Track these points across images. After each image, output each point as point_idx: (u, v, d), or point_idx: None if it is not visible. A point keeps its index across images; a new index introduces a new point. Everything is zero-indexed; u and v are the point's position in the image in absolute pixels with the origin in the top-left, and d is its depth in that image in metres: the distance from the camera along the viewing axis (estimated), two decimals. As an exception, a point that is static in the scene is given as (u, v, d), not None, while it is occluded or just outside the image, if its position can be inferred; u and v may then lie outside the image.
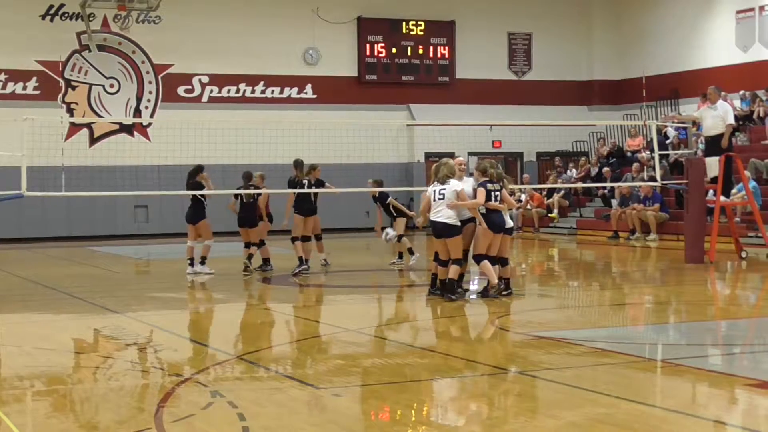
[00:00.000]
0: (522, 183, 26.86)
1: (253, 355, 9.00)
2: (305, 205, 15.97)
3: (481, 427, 6.38)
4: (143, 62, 26.66)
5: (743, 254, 17.04)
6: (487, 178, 12.08)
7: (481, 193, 11.94)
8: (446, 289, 12.05)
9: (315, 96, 28.00)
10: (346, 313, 12.26)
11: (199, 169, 16.20)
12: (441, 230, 11.96)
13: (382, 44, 28.55)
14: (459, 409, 7.07)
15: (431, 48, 28.97)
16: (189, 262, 16.06)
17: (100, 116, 26.03)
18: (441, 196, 11.86)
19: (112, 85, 26.40)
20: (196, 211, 16.00)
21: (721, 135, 16.47)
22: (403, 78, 28.73)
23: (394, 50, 28.60)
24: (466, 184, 12.27)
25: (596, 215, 25.28)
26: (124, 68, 26.51)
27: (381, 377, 7.95)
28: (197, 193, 15.97)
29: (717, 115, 16.63)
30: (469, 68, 29.26)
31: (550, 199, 26.68)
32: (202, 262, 15.99)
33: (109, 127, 26.12)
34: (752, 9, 25.66)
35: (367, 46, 28.45)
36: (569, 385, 7.39)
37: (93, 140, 25.98)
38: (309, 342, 9.97)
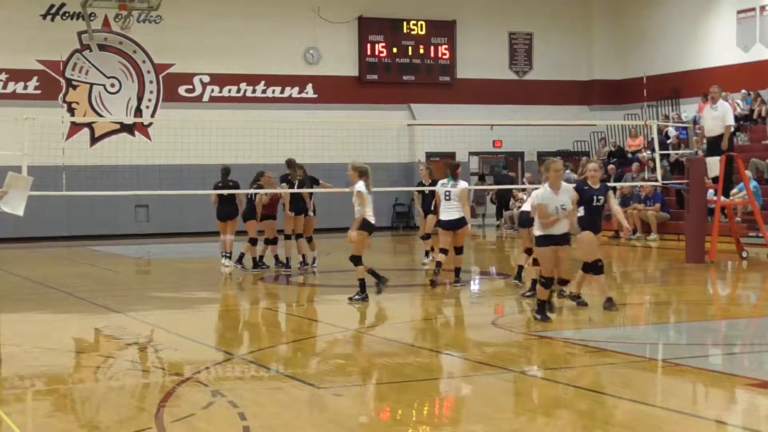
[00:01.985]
0: (524, 182, 26.82)
1: (253, 354, 9.01)
2: (299, 204, 16.04)
3: (481, 426, 6.37)
4: (144, 62, 26.67)
5: (744, 254, 17.03)
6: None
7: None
8: (539, 310, 10.34)
9: (316, 96, 28.01)
10: (346, 312, 12.26)
11: (228, 169, 16.58)
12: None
13: (383, 44, 28.55)
14: (459, 409, 7.07)
15: (432, 48, 28.97)
16: (227, 255, 16.26)
17: (100, 116, 26.04)
18: None
19: (113, 85, 26.41)
20: (235, 208, 16.39)
21: (721, 135, 16.48)
22: (404, 78, 28.72)
23: (395, 50, 28.60)
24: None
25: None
26: (125, 68, 26.52)
27: (381, 377, 7.95)
28: (224, 192, 16.19)
29: (717, 116, 16.63)
30: (470, 68, 29.26)
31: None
32: (234, 259, 16.23)
33: (110, 126, 26.13)
34: (753, 9, 25.65)
35: (368, 45, 28.46)
36: (570, 385, 7.39)
37: (94, 140, 25.99)
38: (309, 341, 9.97)
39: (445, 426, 6.57)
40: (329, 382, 7.73)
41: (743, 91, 24.74)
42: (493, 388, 7.59)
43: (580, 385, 7.40)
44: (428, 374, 8.10)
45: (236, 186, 16.56)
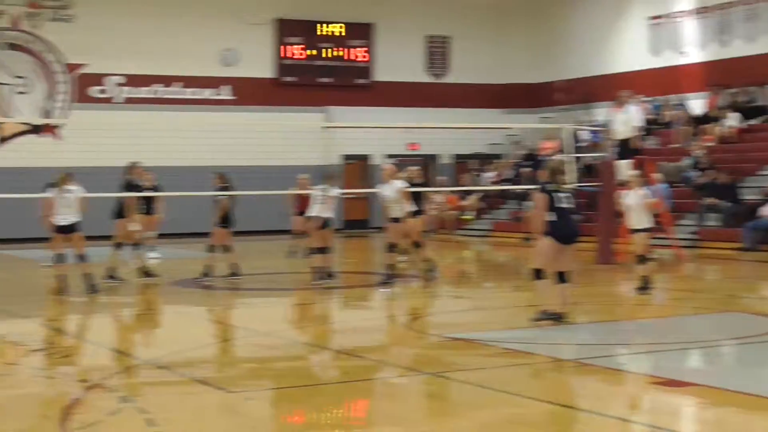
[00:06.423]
0: (439, 185, 26.97)
1: (163, 359, 8.86)
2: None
3: (394, 428, 6.38)
4: (55, 62, 26.06)
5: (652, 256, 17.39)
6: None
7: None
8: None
9: (234, 97, 27.75)
10: (259, 315, 12.17)
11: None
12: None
13: (301, 46, 28.43)
14: (372, 411, 7.07)
15: (350, 50, 28.98)
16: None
17: (9, 116, 25.35)
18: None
19: (22, 85, 25.74)
20: None
21: (630, 138, 16.87)
22: (322, 80, 28.67)
23: (313, 52, 28.52)
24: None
25: (511, 217, 25.57)
26: (36, 67, 25.87)
27: (294, 380, 7.91)
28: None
29: (625, 120, 17.04)
30: (387, 71, 29.34)
31: (466, 201, 26.85)
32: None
33: (19, 127, 25.45)
34: (664, 15, 26.31)
35: (286, 47, 28.32)
36: (482, 386, 7.45)
37: (1, 141, 25.30)
38: (221, 345, 9.86)
39: (357, 428, 6.57)
40: (241, 386, 7.66)
41: (645, 96, 25.23)
42: (407, 390, 7.61)
43: (492, 386, 7.47)
44: (342, 377, 8.09)
45: None
